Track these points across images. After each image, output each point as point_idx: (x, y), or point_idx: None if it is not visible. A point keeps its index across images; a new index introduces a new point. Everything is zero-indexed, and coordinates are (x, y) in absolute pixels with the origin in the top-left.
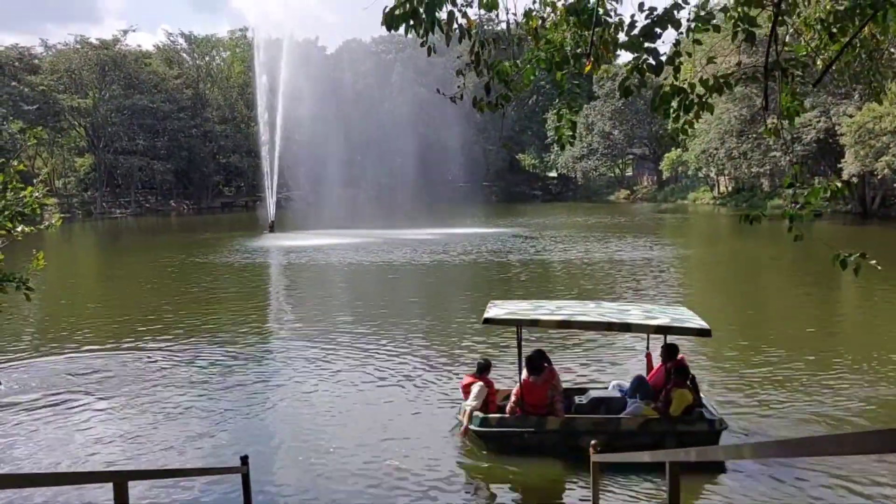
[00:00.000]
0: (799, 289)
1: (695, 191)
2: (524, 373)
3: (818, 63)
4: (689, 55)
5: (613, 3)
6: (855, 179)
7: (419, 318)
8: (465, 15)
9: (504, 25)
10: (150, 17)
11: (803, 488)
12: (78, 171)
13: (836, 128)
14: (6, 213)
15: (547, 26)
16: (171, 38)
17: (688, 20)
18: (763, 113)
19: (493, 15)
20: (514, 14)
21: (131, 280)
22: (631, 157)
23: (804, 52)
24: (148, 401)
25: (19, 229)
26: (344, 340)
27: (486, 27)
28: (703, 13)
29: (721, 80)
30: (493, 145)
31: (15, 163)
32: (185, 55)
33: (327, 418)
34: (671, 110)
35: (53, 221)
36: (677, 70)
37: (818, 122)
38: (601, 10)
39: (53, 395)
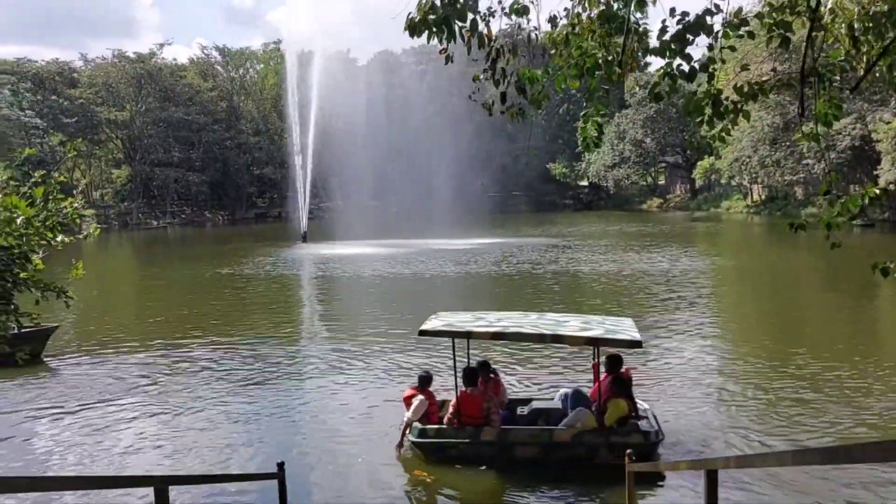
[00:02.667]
0: (836, 298)
1: (728, 199)
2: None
3: (858, 68)
4: (724, 62)
5: (638, 14)
6: (892, 187)
7: None
8: (487, 24)
9: (529, 34)
10: (185, 31)
11: (832, 495)
12: (115, 182)
13: (873, 134)
14: (47, 222)
15: (577, 32)
16: (206, 52)
17: (722, 24)
18: (799, 120)
19: (520, 22)
20: (537, 27)
21: (167, 289)
22: (663, 165)
23: (840, 58)
24: (186, 407)
25: (59, 239)
26: (375, 350)
27: (517, 36)
28: (736, 20)
29: (755, 87)
30: (524, 155)
31: (56, 174)
32: (219, 68)
33: (359, 428)
34: (704, 116)
35: (91, 231)
36: (711, 77)
37: (853, 128)
38: (632, 18)
39: (94, 401)
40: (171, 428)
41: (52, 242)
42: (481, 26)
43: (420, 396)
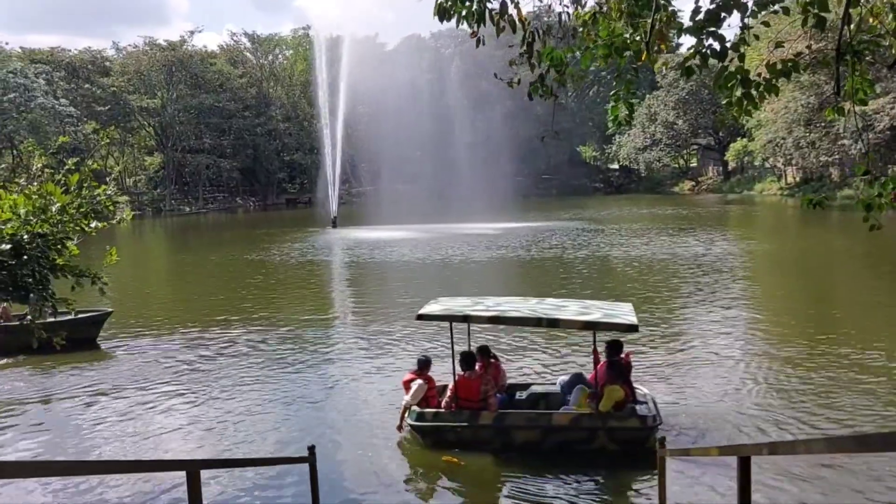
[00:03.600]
0: (874, 282)
1: (761, 181)
2: (458, 368)
3: (892, 48)
4: (757, 38)
5: None
6: None
7: None
8: (516, 6)
9: (557, 17)
10: (215, 18)
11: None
12: (147, 169)
13: None
14: (82, 209)
15: (605, 11)
16: (235, 38)
17: (755, 2)
18: (835, 98)
19: (546, 5)
20: (567, 7)
21: (201, 274)
22: (695, 147)
23: (877, 34)
24: (218, 391)
25: (93, 225)
26: (404, 335)
27: (543, 18)
28: None
29: (789, 65)
30: (553, 138)
31: (90, 162)
32: (248, 54)
33: (388, 412)
34: (733, 97)
35: (125, 214)
36: (742, 56)
37: (892, 108)
38: None
39: (126, 385)
40: (202, 412)
41: (87, 229)
42: (511, 9)
43: (419, 380)
